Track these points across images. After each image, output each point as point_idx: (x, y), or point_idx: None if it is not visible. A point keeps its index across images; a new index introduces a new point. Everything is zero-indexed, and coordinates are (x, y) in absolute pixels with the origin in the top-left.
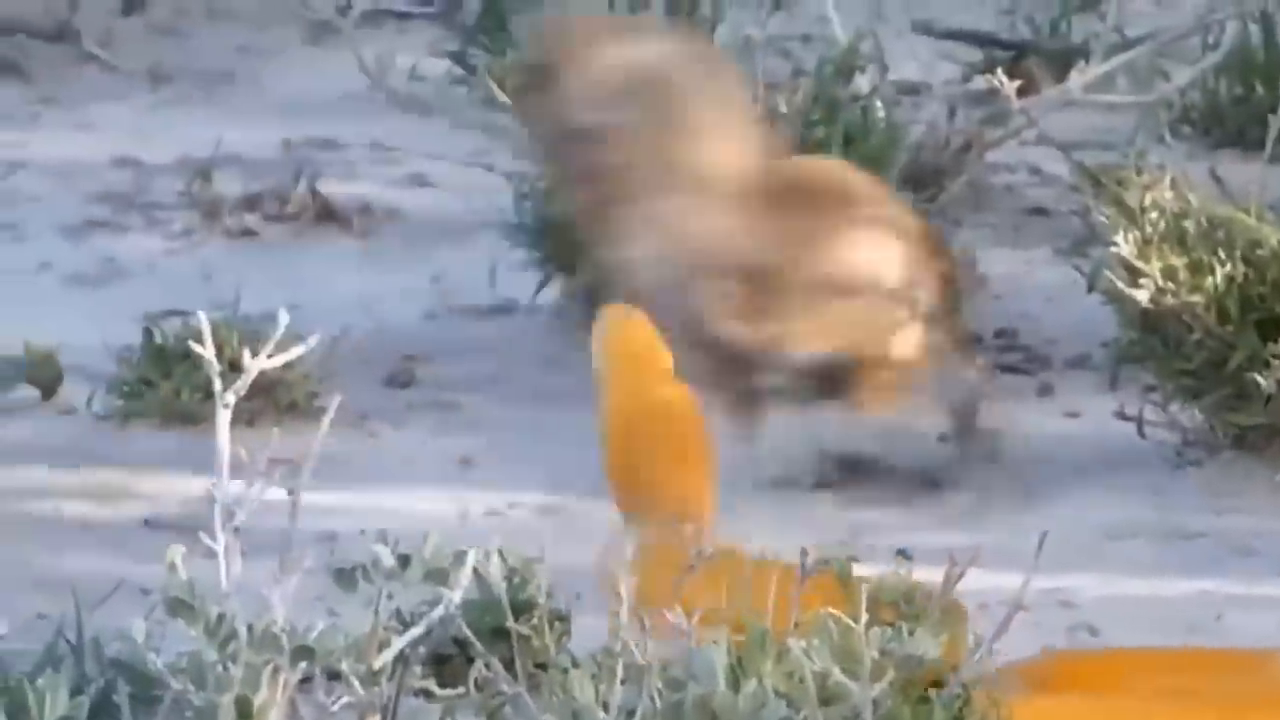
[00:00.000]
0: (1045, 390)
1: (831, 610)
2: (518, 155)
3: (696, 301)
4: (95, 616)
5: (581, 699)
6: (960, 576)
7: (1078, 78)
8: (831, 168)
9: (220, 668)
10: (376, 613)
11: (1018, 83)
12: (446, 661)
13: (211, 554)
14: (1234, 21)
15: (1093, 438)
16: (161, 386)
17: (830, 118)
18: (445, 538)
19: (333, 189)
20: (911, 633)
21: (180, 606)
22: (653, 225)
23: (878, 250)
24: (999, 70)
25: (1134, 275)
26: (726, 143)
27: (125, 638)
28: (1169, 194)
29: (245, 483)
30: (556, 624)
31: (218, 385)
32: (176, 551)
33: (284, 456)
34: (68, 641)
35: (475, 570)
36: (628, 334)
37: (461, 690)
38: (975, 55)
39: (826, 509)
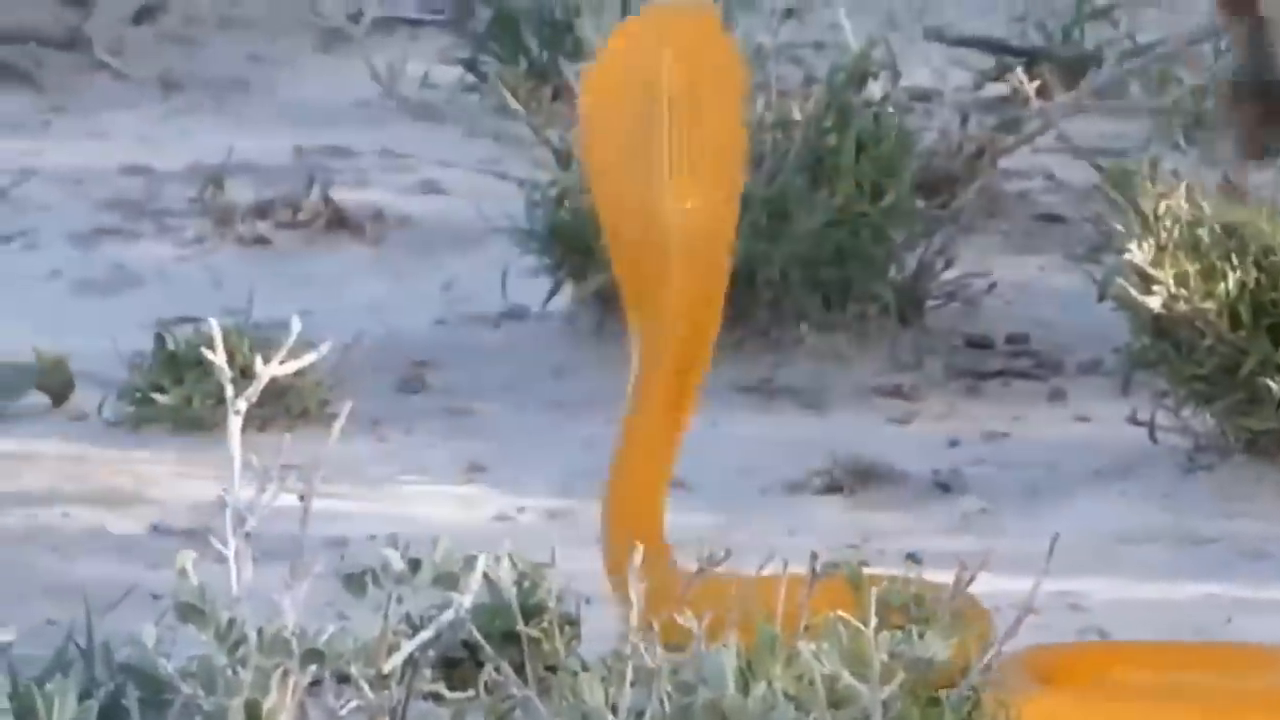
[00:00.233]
0: (1057, 395)
1: (841, 614)
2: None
3: None
4: (105, 622)
5: (591, 702)
6: (971, 580)
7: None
8: None
9: (230, 672)
10: (386, 617)
11: (1036, 83)
12: (456, 665)
13: (222, 559)
14: None
15: (1105, 442)
16: (173, 393)
17: (843, 125)
18: (455, 542)
19: (344, 196)
20: (921, 635)
21: (190, 611)
22: None
23: None
24: (1019, 70)
25: (1146, 282)
26: None
27: (135, 643)
28: (1183, 202)
29: (257, 488)
30: (566, 628)
31: (229, 392)
32: (187, 557)
33: (295, 462)
34: (77, 646)
35: (485, 574)
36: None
37: (471, 694)
38: (988, 62)
39: (836, 513)
